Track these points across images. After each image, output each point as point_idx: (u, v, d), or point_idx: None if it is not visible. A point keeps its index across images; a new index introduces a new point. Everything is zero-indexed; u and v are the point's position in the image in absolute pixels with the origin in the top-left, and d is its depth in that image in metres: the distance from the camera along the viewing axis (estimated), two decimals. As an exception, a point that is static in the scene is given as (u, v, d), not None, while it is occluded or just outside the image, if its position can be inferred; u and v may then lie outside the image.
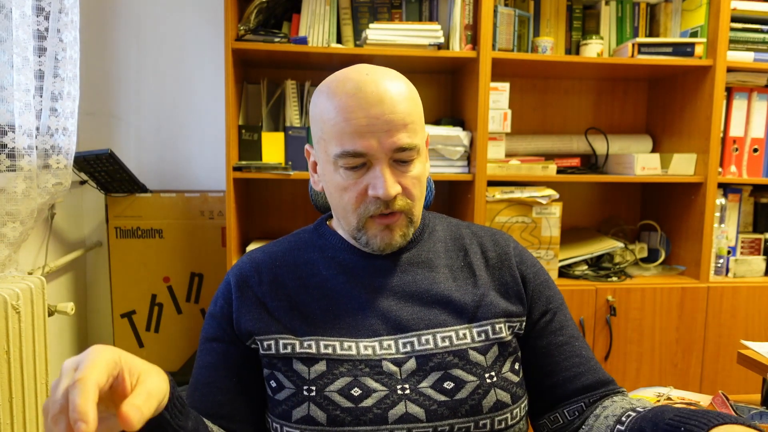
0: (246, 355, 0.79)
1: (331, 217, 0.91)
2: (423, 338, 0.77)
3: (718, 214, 1.94)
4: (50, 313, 1.44)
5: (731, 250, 1.97)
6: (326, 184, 0.81)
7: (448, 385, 0.75)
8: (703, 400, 1.08)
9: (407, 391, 0.74)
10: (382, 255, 0.84)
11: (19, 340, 1.18)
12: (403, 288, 0.81)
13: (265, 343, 0.77)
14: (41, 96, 1.42)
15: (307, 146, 0.85)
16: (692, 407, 0.73)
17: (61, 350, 1.78)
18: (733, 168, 1.94)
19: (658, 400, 1.07)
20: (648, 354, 1.85)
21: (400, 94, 0.75)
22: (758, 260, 1.97)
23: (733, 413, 0.97)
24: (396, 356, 0.76)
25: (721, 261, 1.95)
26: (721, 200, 1.94)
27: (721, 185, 1.93)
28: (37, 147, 1.38)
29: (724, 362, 1.88)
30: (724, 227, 1.96)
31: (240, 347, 0.79)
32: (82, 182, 1.88)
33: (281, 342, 0.77)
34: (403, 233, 0.79)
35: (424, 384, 0.75)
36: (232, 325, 0.80)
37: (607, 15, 1.99)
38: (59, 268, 1.72)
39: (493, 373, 0.76)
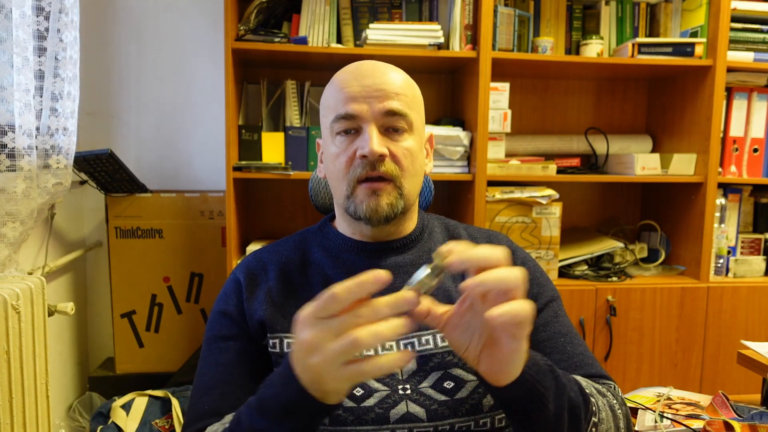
0: (260, 353, 0.79)
1: (334, 217, 0.91)
2: (423, 338, 0.78)
3: (718, 214, 1.94)
4: (50, 313, 1.44)
5: (731, 250, 1.97)
6: (326, 162, 0.83)
7: (448, 384, 0.75)
8: (703, 400, 1.08)
9: (408, 391, 0.74)
10: (384, 254, 0.84)
11: (19, 340, 1.18)
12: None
13: (272, 342, 0.78)
14: (41, 96, 1.42)
15: (317, 140, 0.88)
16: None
17: (61, 350, 1.78)
18: (733, 168, 1.94)
19: (658, 401, 1.07)
20: (648, 354, 1.85)
21: (396, 73, 0.80)
22: (758, 260, 1.97)
23: (733, 414, 0.98)
24: None
25: (721, 261, 1.95)
26: (721, 200, 1.94)
27: (721, 185, 1.93)
28: (37, 147, 1.38)
29: (724, 362, 1.88)
30: (724, 227, 1.96)
31: (255, 345, 0.79)
32: (82, 182, 1.88)
33: (286, 341, 0.77)
34: (391, 202, 0.79)
35: (424, 384, 0.75)
36: (245, 321, 0.80)
37: (607, 15, 1.99)
38: (59, 268, 1.72)
39: None
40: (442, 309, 0.61)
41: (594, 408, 0.70)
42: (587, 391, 0.70)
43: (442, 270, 0.56)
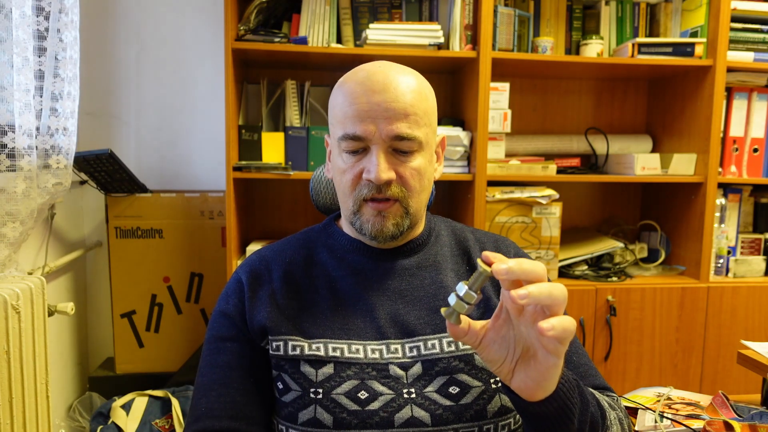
0: (259, 355, 0.79)
1: (339, 216, 0.91)
2: (429, 343, 0.78)
3: (718, 214, 1.94)
4: (50, 313, 1.44)
5: (731, 250, 1.97)
6: (332, 169, 0.83)
7: (454, 389, 0.75)
8: (703, 400, 1.08)
9: (413, 395, 0.74)
10: (391, 257, 0.84)
11: (19, 340, 1.18)
12: (412, 291, 0.82)
13: (275, 344, 0.77)
14: (41, 96, 1.42)
15: (326, 136, 0.87)
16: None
17: (61, 350, 1.78)
18: (733, 168, 1.94)
19: (658, 401, 1.07)
20: (648, 354, 1.85)
21: (407, 86, 0.76)
22: (758, 260, 1.97)
23: (733, 414, 0.98)
24: (402, 360, 0.76)
25: (721, 261, 1.95)
26: (721, 200, 1.94)
27: (721, 185, 1.93)
28: (37, 147, 1.38)
29: (724, 362, 1.88)
30: (724, 227, 1.96)
31: (254, 347, 0.79)
32: (82, 182, 1.88)
33: (290, 343, 0.76)
34: (397, 222, 0.78)
35: (429, 388, 0.75)
36: (245, 323, 0.80)
37: (607, 15, 1.99)
38: (59, 268, 1.72)
39: (498, 378, 0.76)
40: (478, 325, 0.61)
41: (608, 422, 0.70)
42: (603, 405, 0.71)
43: (486, 279, 0.56)
